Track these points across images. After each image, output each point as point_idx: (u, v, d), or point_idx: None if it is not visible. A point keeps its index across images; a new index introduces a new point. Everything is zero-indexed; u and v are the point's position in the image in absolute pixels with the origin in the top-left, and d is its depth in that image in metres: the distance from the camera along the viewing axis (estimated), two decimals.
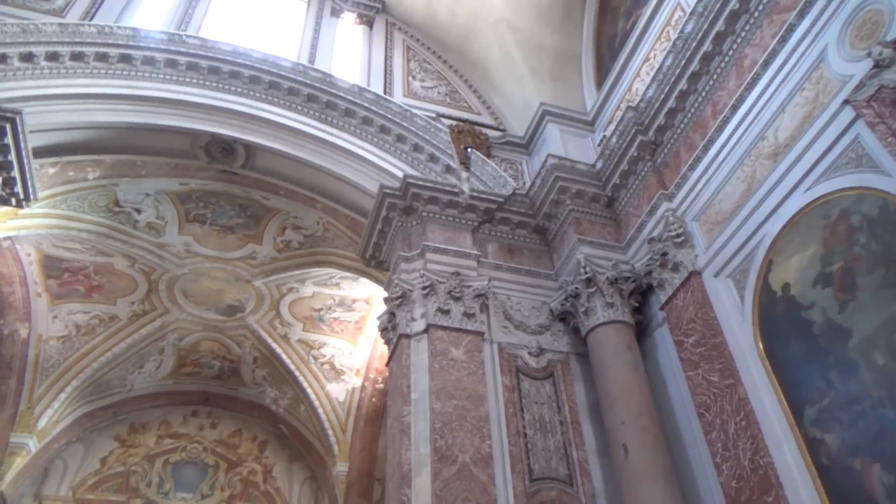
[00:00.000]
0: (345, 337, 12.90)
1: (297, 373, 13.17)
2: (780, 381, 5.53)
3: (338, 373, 13.31)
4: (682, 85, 7.17)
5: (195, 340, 13.06)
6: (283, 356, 13.01)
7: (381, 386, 13.31)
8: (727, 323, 6.24)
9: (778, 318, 5.69)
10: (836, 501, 4.80)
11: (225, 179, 9.39)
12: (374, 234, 8.43)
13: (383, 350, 12.97)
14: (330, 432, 13.51)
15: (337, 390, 13.46)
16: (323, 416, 13.45)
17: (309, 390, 13.31)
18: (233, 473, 14.54)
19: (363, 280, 11.12)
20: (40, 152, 7.88)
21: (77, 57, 7.80)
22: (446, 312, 7.22)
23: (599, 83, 9.88)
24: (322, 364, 13.22)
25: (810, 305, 5.36)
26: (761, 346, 5.82)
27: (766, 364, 5.70)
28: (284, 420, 14.33)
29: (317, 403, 13.41)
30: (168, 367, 13.61)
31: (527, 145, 9.87)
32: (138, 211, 9.95)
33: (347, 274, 11.03)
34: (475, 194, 8.27)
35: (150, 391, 14.00)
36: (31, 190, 7.76)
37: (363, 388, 13.40)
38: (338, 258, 10.62)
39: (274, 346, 12.91)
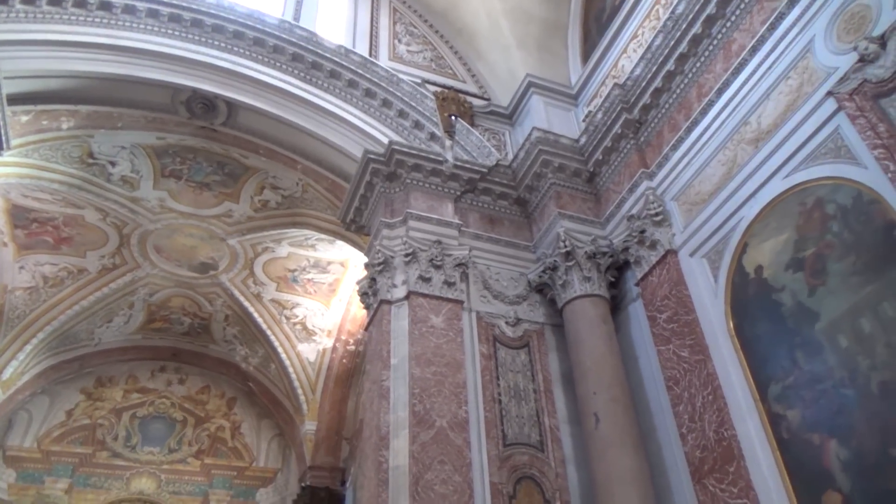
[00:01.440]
0: (318, 298, 12.98)
1: (268, 332, 13.26)
2: (747, 359, 5.78)
3: (309, 333, 13.42)
4: (670, 65, 7.26)
5: (166, 296, 13.01)
6: (255, 315, 13.06)
7: (353, 348, 13.48)
8: (700, 301, 6.46)
9: (749, 299, 5.92)
10: (795, 473, 5.10)
11: (203, 136, 9.27)
12: (356, 199, 8.44)
13: (356, 312, 13.19)
14: (300, 391, 13.68)
15: (308, 350, 13.59)
16: (293, 375, 13.61)
17: (280, 349, 13.43)
18: (201, 429, 14.64)
19: (340, 243, 11.18)
20: (14, 99, 7.65)
21: (54, 2, 7.54)
22: (427, 280, 7.32)
23: (585, 57, 9.91)
24: (294, 324, 13.32)
25: (781, 288, 5.58)
26: (732, 324, 6.05)
27: (736, 342, 5.95)
28: (254, 378, 14.46)
29: (287, 363, 13.54)
30: (137, 321, 13.55)
31: (510, 116, 9.90)
32: (112, 164, 9.78)
33: (324, 236, 11.07)
34: (459, 164, 8.30)
35: (118, 345, 13.94)
36: (3, 138, 7.55)
37: (334, 349, 13.54)
38: (315, 220, 10.64)
39: (246, 304, 12.93)
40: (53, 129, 8.59)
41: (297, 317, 13.21)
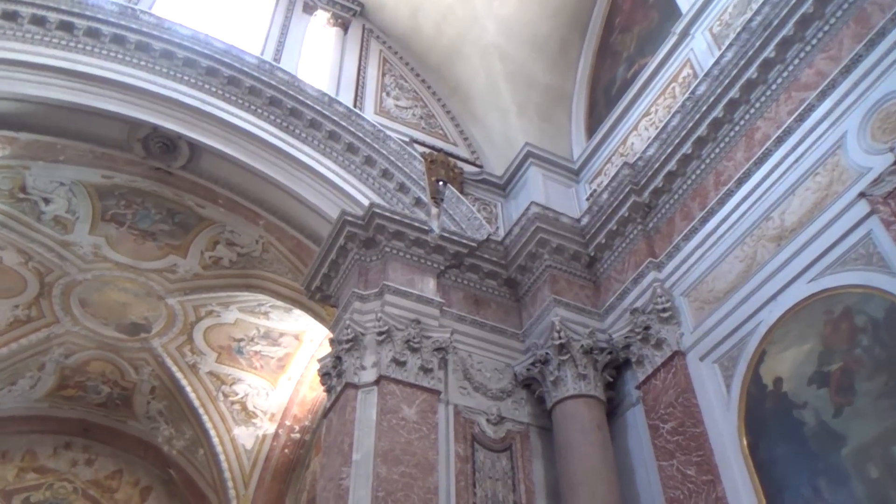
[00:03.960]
0: (264, 375, 12.79)
1: (200, 410, 12.97)
2: (763, 484, 5.76)
3: (249, 415, 13.13)
4: (686, 148, 7.54)
5: (84, 359, 12.66)
6: (188, 389, 12.80)
7: (298, 436, 13.18)
8: (710, 412, 6.48)
9: (766, 414, 5.96)
10: None
11: (156, 178, 9.28)
12: (326, 265, 8.44)
13: (306, 395, 12.99)
14: (230, 484, 13.22)
15: (245, 435, 13.26)
16: (224, 464, 13.21)
17: (212, 432, 13.11)
18: None
19: (297, 313, 11.15)
20: None
21: (9, 17, 7.63)
22: (401, 364, 7.28)
23: (590, 130, 10.24)
24: (232, 403, 13.06)
25: (803, 405, 5.64)
26: (745, 442, 6.06)
27: (749, 462, 5.94)
28: (177, 464, 13.94)
29: (219, 448, 13.17)
30: (46, 386, 13.07)
31: (504, 186, 10.11)
32: (46, 201, 9.70)
33: (281, 303, 11.01)
34: (446, 235, 8.40)
35: (18, 413, 13.36)
36: None
37: (276, 436, 13.24)
38: (273, 284, 10.60)
39: (178, 375, 12.69)
40: None
41: (236, 395, 12.97)
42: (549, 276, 8.39)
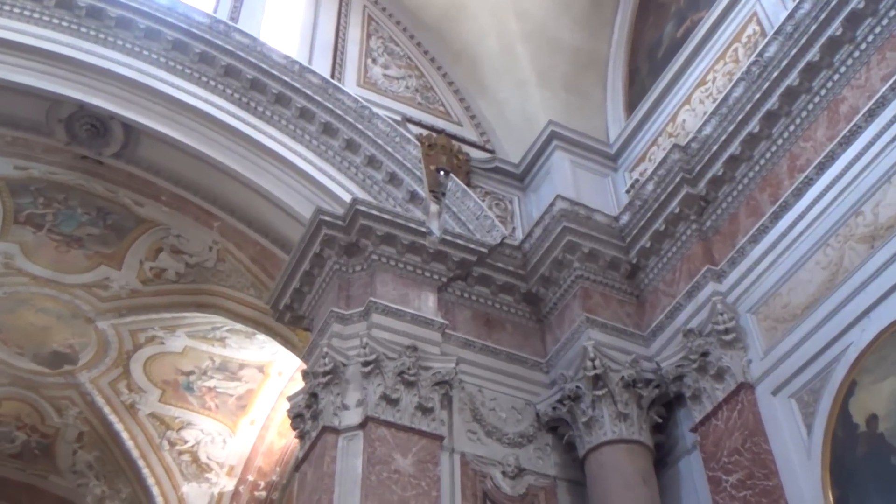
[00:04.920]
0: (220, 417, 12.84)
1: (140, 462, 13.03)
2: None
3: (202, 468, 13.21)
4: (753, 126, 7.49)
5: None
6: (124, 436, 12.86)
7: (263, 494, 13.18)
8: (786, 460, 6.43)
9: (857, 461, 5.89)
10: None
11: (84, 170, 9.29)
12: (298, 277, 8.41)
13: (273, 442, 13.03)
14: None
15: (197, 494, 13.33)
16: None
17: (155, 489, 13.16)
18: None
19: (262, 338, 11.20)
20: None
21: None
22: (394, 403, 7.23)
23: (630, 105, 10.22)
24: (180, 453, 13.12)
25: None
26: (832, 496, 6.00)
27: None
28: None
29: None
30: None
31: (522, 177, 10.08)
32: None
33: (241, 327, 11.03)
34: (449, 238, 8.36)
35: None
36: None
37: (236, 494, 13.28)
38: (231, 302, 10.61)
39: (112, 418, 12.74)
40: None
41: (185, 442, 13.01)
42: (580, 289, 8.34)
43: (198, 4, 9.30)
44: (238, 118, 8.73)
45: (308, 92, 8.95)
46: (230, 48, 8.83)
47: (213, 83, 8.78)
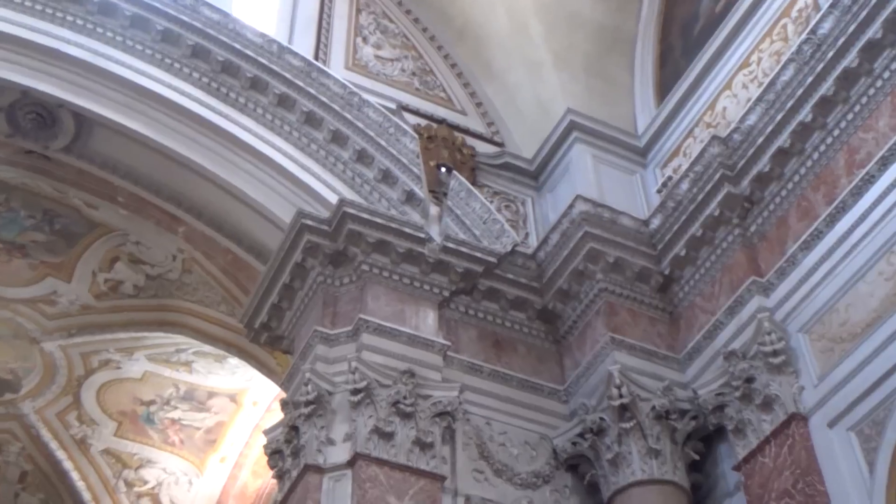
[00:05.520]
0: (185, 454, 12.86)
1: None
2: None
3: None
4: (805, 114, 7.44)
5: None
6: (75, 475, 12.85)
7: None
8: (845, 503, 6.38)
9: None
10: None
11: (27, 166, 9.29)
12: (276, 291, 8.40)
13: (247, 483, 13.03)
14: None
15: None
16: None
17: None
18: None
19: (234, 363, 11.21)
20: None
21: None
22: (388, 437, 7.20)
23: (662, 90, 10.20)
24: (139, 496, 13.12)
25: None
26: None
27: None
28: None
29: None
30: None
31: (536, 174, 10.06)
32: None
33: (209, 348, 11.04)
34: (452, 246, 8.33)
35: None
36: None
37: None
38: (198, 320, 10.61)
39: (60, 455, 12.74)
40: None
41: (145, 483, 13.04)
42: (604, 304, 8.33)
43: None
44: (207, 106, 8.72)
45: (288, 76, 8.94)
46: (198, 25, 8.80)
47: (177, 66, 8.77)
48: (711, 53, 9.31)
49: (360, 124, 8.92)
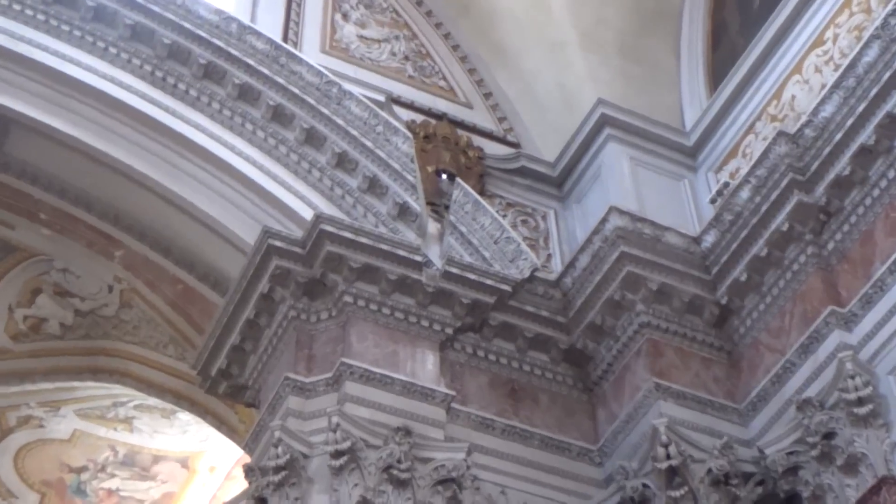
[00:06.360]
0: None
1: None
2: None
3: None
4: (894, 104, 7.38)
5: None
6: None
7: None
8: None
9: None
10: None
11: None
12: (237, 329, 8.42)
13: None
14: None
15: None
16: None
17: None
18: None
19: (186, 419, 11.31)
20: None
21: None
22: None
23: (715, 76, 10.22)
24: None
25: None
26: None
27: None
28: None
29: None
30: None
31: (560, 181, 10.08)
32: None
33: (154, 401, 11.10)
34: (456, 271, 8.31)
35: None
36: None
37: None
38: (140, 366, 10.60)
39: None
40: None
41: None
42: (647, 342, 8.33)
43: None
44: (150, 100, 8.76)
45: (250, 62, 8.98)
46: (139, 0, 8.79)
47: (113, 50, 8.81)
48: (776, 30, 9.32)
49: (340, 121, 8.93)
